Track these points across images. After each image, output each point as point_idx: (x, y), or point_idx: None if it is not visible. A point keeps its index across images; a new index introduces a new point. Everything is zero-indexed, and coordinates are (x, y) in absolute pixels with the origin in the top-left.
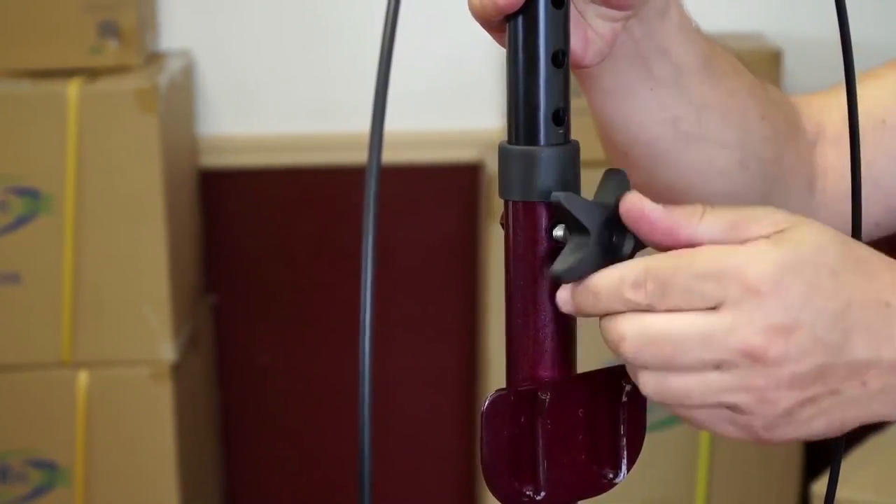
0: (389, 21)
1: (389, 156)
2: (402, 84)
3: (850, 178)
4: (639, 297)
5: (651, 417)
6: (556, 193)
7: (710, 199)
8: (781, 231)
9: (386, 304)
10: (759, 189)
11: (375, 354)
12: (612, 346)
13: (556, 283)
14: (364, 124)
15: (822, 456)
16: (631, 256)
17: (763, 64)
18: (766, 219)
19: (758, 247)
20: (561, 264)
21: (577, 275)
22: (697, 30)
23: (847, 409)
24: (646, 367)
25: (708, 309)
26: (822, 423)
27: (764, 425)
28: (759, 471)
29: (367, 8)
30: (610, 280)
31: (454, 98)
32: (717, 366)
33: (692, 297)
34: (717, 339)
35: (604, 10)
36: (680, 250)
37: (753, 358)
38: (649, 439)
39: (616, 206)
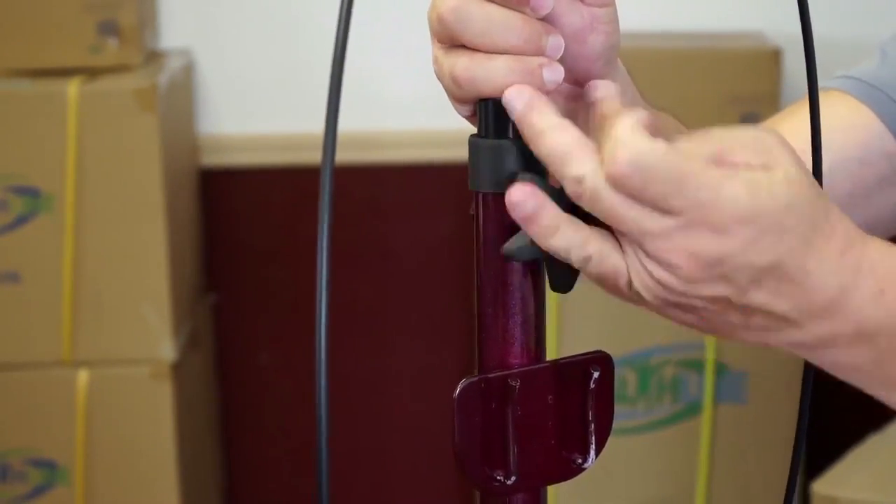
0: (342, 23)
1: (389, 155)
2: (402, 83)
3: None
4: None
5: (651, 416)
6: (523, 174)
7: None
8: (765, 168)
9: (385, 303)
10: None
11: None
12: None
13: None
14: (365, 123)
15: (823, 455)
16: None
17: (763, 62)
18: (751, 146)
19: (737, 187)
20: (512, 243)
21: (528, 255)
22: (641, 103)
23: (721, 327)
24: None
25: (667, 211)
26: (688, 321)
27: (648, 297)
28: (759, 469)
29: (369, 7)
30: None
31: None
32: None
33: (662, 200)
34: (651, 232)
35: (564, 86)
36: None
37: (663, 264)
38: (650, 438)
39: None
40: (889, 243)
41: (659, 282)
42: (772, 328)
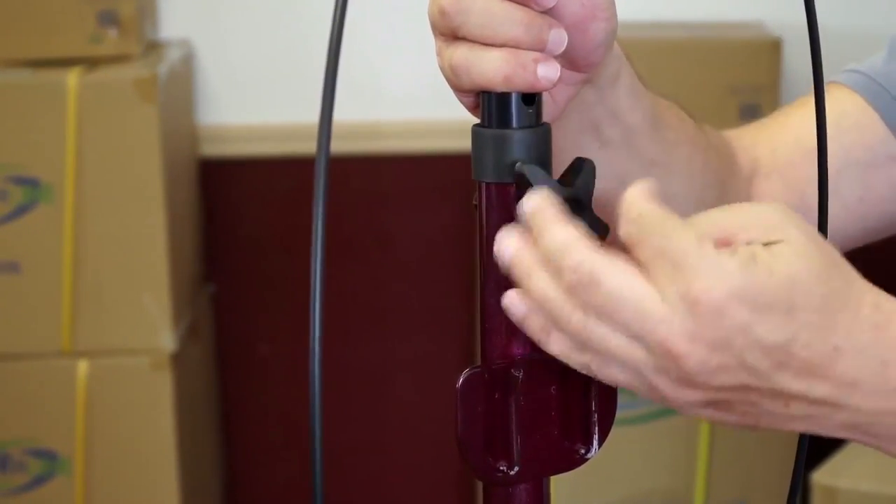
0: (338, 16)
1: (391, 145)
2: (401, 73)
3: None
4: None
5: (652, 406)
6: (521, 164)
7: None
8: (767, 244)
9: (385, 293)
10: None
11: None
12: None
13: None
14: (364, 113)
15: (823, 446)
16: None
17: (763, 53)
18: (755, 225)
19: (723, 263)
20: None
21: None
22: (644, 89)
23: (762, 418)
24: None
25: (660, 289)
26: (732, 420)
27: (672, 401)
28: (759, 460)
29: None
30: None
31: None
32: (638, 339)
33: (653, 265)
34: (649, 319)
35: (564, 72)
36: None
37: (671, 358)
38: (650, 428)
39: (577, 190)
40: None
41: (677, 380)
42: (818, 415)
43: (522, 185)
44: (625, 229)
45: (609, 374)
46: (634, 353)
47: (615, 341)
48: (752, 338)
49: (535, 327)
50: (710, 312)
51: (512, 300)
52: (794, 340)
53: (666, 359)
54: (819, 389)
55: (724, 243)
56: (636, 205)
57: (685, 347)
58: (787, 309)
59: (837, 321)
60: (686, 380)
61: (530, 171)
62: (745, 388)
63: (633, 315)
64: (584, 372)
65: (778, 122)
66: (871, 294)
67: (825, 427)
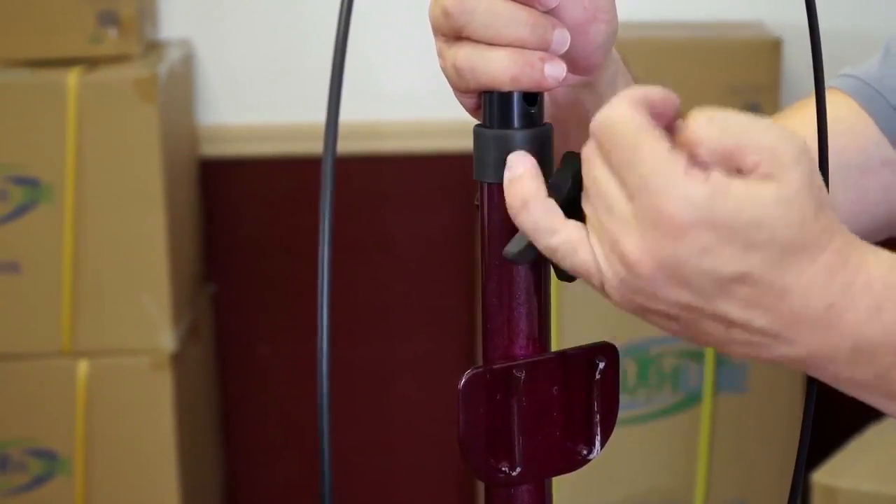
0: (344, 12)
1: (391, 145)
2: (404, 74)
3: None
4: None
5: (652, 406)
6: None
7: None
8: (763, 179)
9: (386, 293)
10: None
11: (374, 344)
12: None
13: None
14: (364, 113)
15: (823, 446)
16: None
17: (763, 53)
18: (767, 153)
19: (690, 190)
20: (513, 246)
21: (528, 257)
22: None
23: (701, 337)
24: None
25: (628, 193)
26: (674, 329)
27: (618, 300)
28: (759, 460)
29: None
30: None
31: None
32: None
33: (622, 172)
34: (614, 216)
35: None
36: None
37: (623, 261)
38: (650, 428)
39: (572, 187)
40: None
41: (623, 282)
42: (757, 343)
43: None
44: (595, 126)
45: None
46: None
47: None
48: (704, 266)
49: (520, 192)
50: (669, 234)
51: (518, 157)
52: (746, 276)
53: (622, 265)
54: (760, 321)
55: (726, 158)
56: (614, 110)
57: (638, 255)
58: (744, 246)
59: (793, 262)
60: (633, 288)
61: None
62: (687, 308)
63: (603, 203)
64: (548, 255)
65: (786, 120)
66: (840, 240)
67: (765, 357)
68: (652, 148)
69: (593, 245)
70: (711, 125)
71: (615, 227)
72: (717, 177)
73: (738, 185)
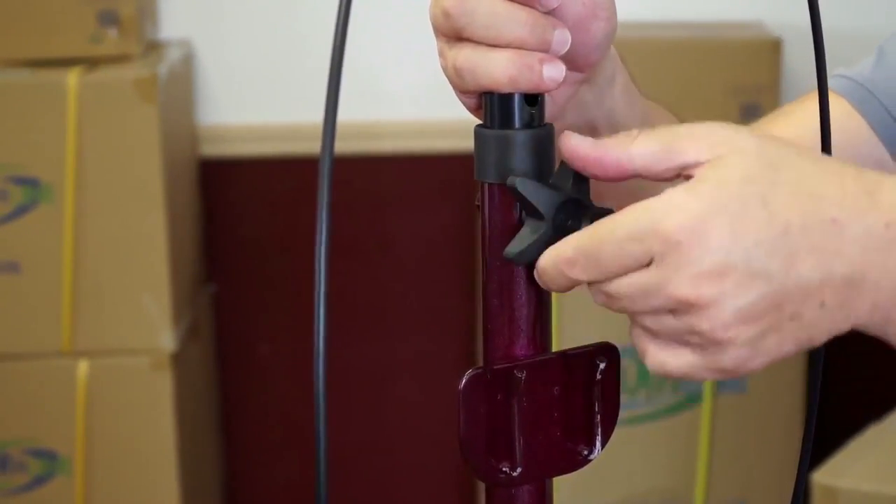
0: (342, 16)
1: (391, 145)
2: (404, 74)
3: None
4: (577, 274)
5: (652, 406)
6: (512, 178)
7: None
8: (715, 159)
9: (386, 294)
10: None
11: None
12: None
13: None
14: (364, 113)
15: (823, 446)
16: None
17: (763, 52)
18: (703, 140)
19: (673, 197)
20: (514, 247)
21: (529, 257)
22: (636, 90)
23: (810, 330)
24: (635, 325)
25: (643, 266)
26: (790, 346)
27: (733, 363)
28: (759, 460)
29: None
30: (548, 261)
31: None
32: (670, 311)
33: (625, 261)
34: (656, 292)
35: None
36: (601, 220)
37: (688, 306)
38: (650, 428)
39: (571, 190)
40: None
41: (715, 328)
42: (847, 299)
43: (517, 198)
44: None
45: (667, 359)
46: (669, 325)
47: (652, 324)
48: (745, 243)
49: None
50: (691, 242)
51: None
52: (789, 227)
53: (687, 310)
54: (839, 268)
55: (670, 160)
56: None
57: (689, 289)
58: (761, 202)
59: (823, 195)
60: (717, 320)
61: (521, 184)
62: (775, 300)
63: (646, 297)
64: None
65: (774, 123)
66: (850, 168)
67: (857, 313)
68: (621, 217)
69: (678, 354)
70: (641, 140)
71: (656, 293)
72: (680, 182)
73: (701, 170)
